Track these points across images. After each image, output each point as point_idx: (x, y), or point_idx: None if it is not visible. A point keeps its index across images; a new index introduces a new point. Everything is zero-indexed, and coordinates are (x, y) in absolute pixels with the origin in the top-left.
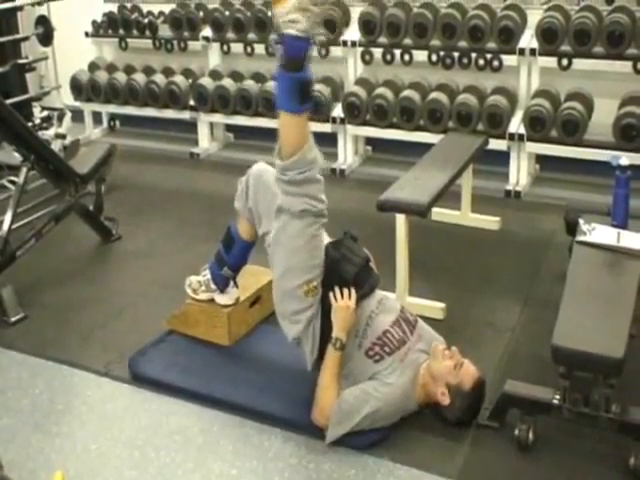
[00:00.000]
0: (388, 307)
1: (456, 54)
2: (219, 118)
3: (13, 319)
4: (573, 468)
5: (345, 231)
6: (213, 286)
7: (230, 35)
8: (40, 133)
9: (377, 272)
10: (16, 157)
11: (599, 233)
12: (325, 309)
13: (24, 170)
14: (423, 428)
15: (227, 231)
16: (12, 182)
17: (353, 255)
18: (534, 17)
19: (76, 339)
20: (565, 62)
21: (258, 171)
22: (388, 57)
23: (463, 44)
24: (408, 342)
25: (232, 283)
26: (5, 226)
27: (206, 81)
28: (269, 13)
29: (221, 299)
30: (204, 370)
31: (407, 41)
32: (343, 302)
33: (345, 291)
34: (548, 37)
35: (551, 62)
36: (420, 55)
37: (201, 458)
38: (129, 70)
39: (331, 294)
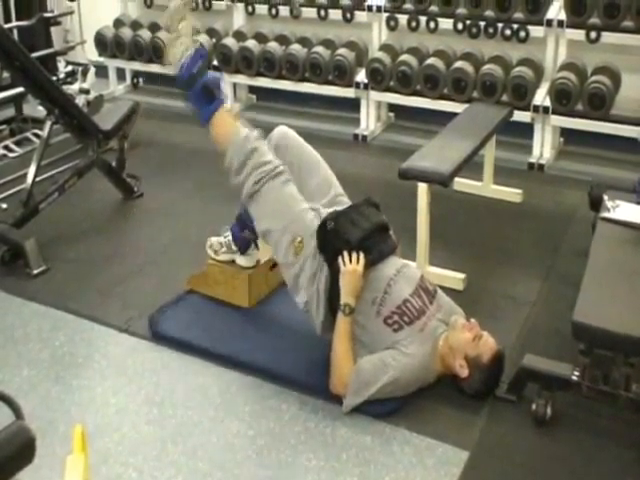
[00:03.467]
0: (407, 276)
1: (482, 23)
2: (242, 79)
3: (35, 271)
4: (589, 446)
5: (366, 197)
6: (234, 247)
7: None
8: (64, 87)
9: (395, 240)
10: (41, 110)
11: (623, 210)
12: (333, 274)
13: (48, 124)
14: (440, 399)
15: None
16: (36, 135)
17: (363, 220)
18: None
19: (97, 294)
20: (594, 35)
21: (280, 135)
22: (413, 24)
23: (490, 13)
24: (427, 312)
25: (253, 245)
26: (29, 179)
27: (230, 41)
28: None
29: (242, 261)
30: (223, 331)
31: (433, 8)
32: (350, 266)
33: (353, 255)
34: (576, 9)
35: (579, 35)
36: (446, 23)
37: (218, 418)
38: (154, 28)
39: (340, 259)
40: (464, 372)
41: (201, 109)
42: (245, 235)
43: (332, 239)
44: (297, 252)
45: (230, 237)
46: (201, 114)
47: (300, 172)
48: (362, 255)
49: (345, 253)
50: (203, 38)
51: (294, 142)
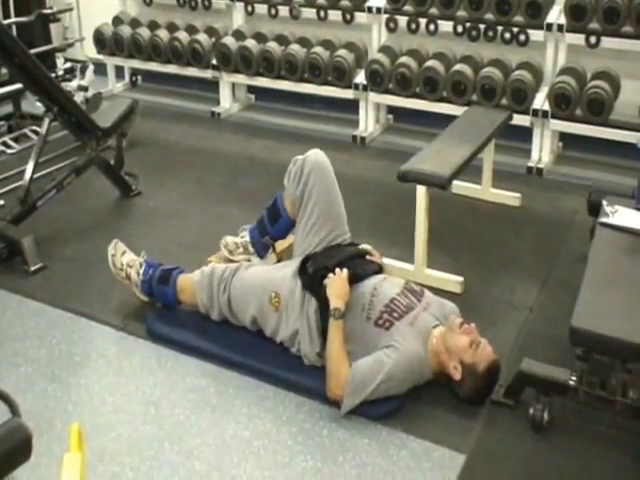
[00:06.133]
0: (392, 282)
1: (482, 26)
2: (241, 79)
3: (33, 268)
4: (586, 451)
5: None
6: (251, 249)
7: None
8: (63, 85)
9: (378, 264)
10: (39, 107)
11: (622, 215)
12: (321, 302)
13: (47, 121)
14: (437, 404)
15: (274, 202)
16: (34, 132)
17: (340, 252)
18: None
19: (94, 293)
20: (593, 40)
21: (318, 164)
22: (413, 26)
23: (490, 16)
24: (416, 308)
25: (271, 249)
26: (27, 175)
27: (229, 41)
28: None
29: (260, 263)
30: (221, 331)
31: (433, 10)
32: (334, 275)
33: (337, 270)
34: (577, 14)
35: (579, 39)
36: (446, 25)
37: (215, 418)
38: (153, 26)
39: (325, 281)
40: (457, 375)
41: (165, 293)
42: (265, 241)
43: (313, 274)
44: (276, 307)
45: (247, 238)
46: (167, 296)
47: (320, 213)
48: (345, 269)
49: (330, 274)
50: (202, 37)
51: (328, 175)
